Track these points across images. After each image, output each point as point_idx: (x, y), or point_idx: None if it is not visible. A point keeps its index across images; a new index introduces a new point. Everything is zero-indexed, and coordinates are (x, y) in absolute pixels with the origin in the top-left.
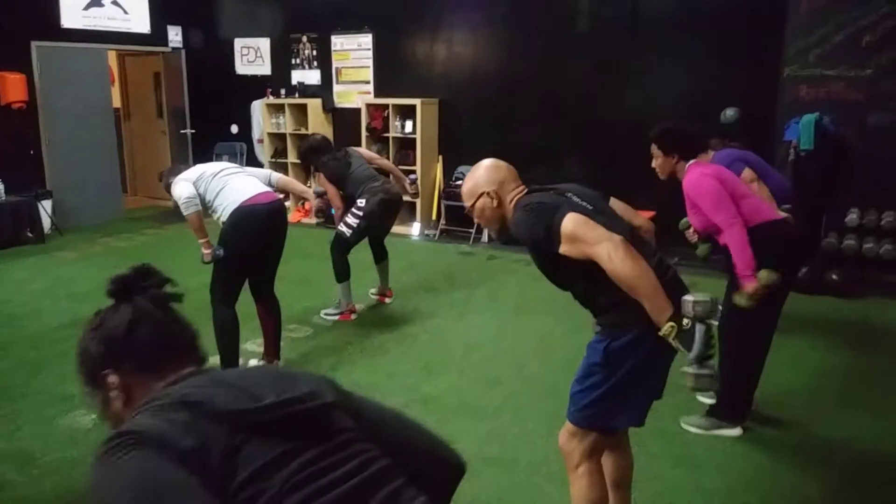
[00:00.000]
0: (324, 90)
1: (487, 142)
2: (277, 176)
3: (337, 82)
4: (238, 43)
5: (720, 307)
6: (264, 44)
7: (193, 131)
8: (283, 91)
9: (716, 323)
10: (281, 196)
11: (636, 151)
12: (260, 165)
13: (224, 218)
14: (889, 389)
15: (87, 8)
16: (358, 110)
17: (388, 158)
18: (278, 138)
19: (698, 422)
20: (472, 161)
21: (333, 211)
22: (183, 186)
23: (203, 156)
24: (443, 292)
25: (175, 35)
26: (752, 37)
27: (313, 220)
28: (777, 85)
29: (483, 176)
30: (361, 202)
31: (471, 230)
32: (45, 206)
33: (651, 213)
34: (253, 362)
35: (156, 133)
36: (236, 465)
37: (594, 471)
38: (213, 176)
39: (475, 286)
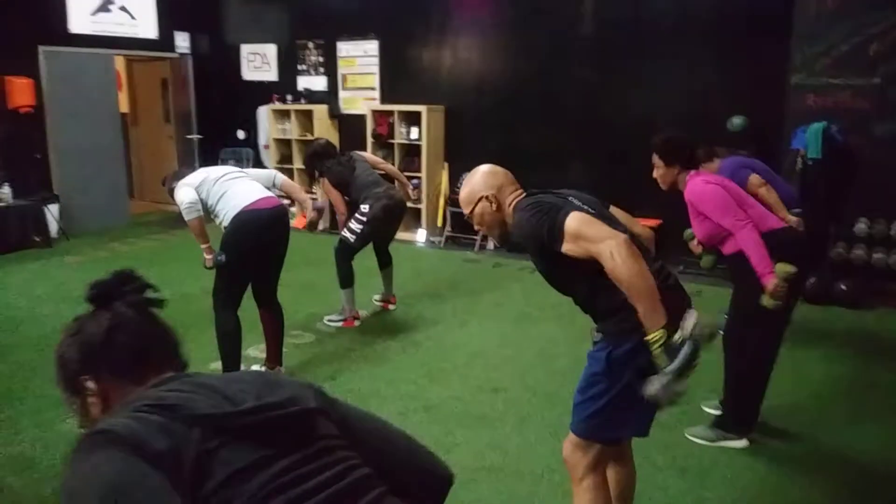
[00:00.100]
0: (330, 96)
1: (493, 148)
2: (282, 178)
3: (343, 88)
4: (245, 49)
5: (720, 332)
6: (271, 50)
7: (200, 137)
8: (289, 97)
9: (706, 341)
10: (285, 202)
11: (642, 158)
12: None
13: (226, 223)
14: None
15: (94, 13)
16: (364, 116)
17: (394, 165)
18: (284, 144)
19: (703, 433)
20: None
21: (338, 216)
22: (185, 192)
23: (209, 161)
24: (447, 299)
25: (182, 41)
26: (759, 44)
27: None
28: (784, 93)
29: (480, 181)
30: (365, 207)
31: (476, 237)
32: (52, 211)
33: (657, 222)
34: (255, 368)
35: (163, 138)
36: (210, 468)
37: (599, 484)
38: (215, 181)
39: (480, 293)
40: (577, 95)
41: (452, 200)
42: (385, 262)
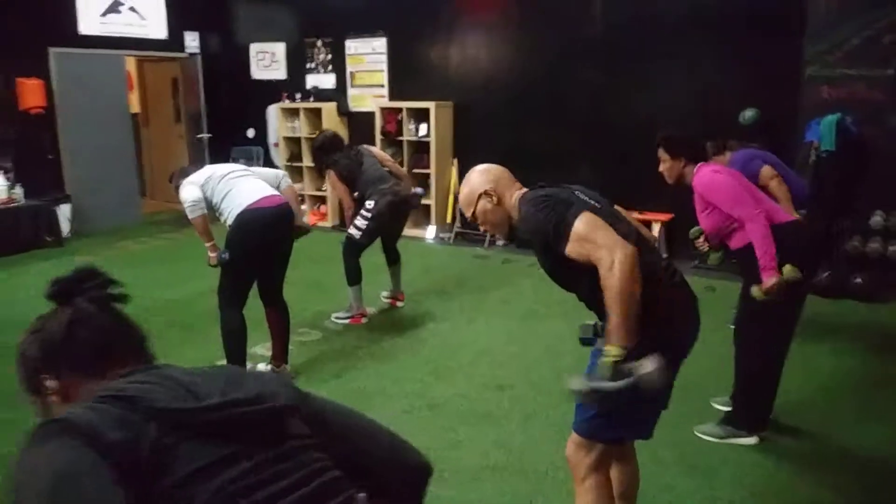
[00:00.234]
0: (338, 94)
1: (502, 145)
2: (287, 183)
3: (351, 86)
4: (254, 48)
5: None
6: (279, 48)
7: (210, 136)
8: (298, 95)
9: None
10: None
11: (652, 155)
12: (275, 168)
13: (230, 221)
14: None
15: (104, 14)
16: (372, 114)
17: (402, 162)
18: (293, 142)
19: (713, 430)
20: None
21: (345, 211)
22: (189, 190)
23: (219, 160)
24: (455, 296)
25: (192, 40)
26: (770, 37)
27: (328, 224)
28: (798, 85)
29: (477, 179)
30: (370, 204)
31: (486, 233)
32: (64, 211)
33: (668, 216)
34: (261, 366)
35: (174, 138)
36: (168, 464)
37: (601, 484)
38: (220, 179)
39: (488, 290)
40: (586, 90)
41: None
42: (393, 259)
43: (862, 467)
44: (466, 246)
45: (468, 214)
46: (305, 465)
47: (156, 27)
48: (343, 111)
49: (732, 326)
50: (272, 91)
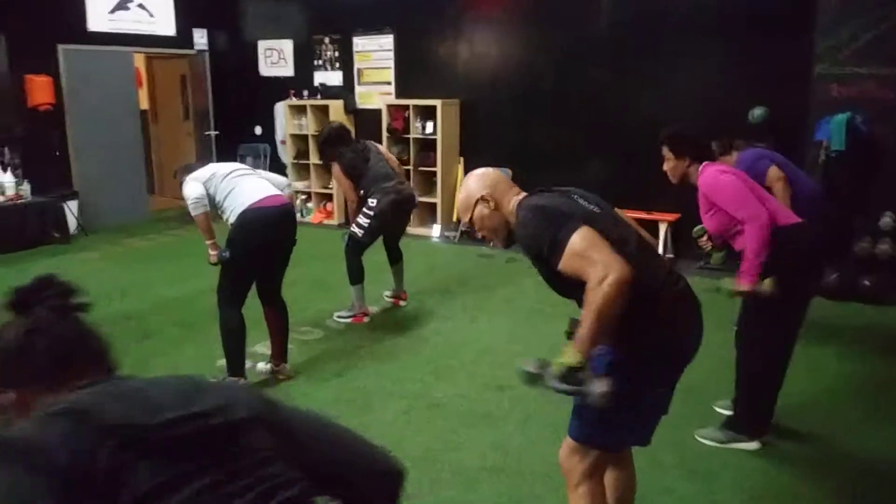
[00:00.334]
0: (346, 91)
1: (508, 143)
2: (290, 192)
3: (358, 83)
4: (262, 45)
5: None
6: (287, 45)
7: (217, 133)
8: (305, 92)
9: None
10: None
11: (659, 154)
12: (283, 166)
13: (232, 219)
14: None
15: (113, 11)
16: (379, 111)
17: (408, 160)
18: (301, 139)
19: (714, 434)
20: (494, 162)
21: (348, 205)
22: (192, 187)
23: (227, 157)
24: (458, 295)
25: (200, 38)
26: (780, 34)
27: (334, 222)
28: (807, 84)
29: (474, 184)
30: (372, 202)
31: None
32: (72, 207)
33: (675, 216)
34: (260, 365)
35: (182, 135)
36: (125, 482)
37: (595, 492)
38: (223, 176)
39: (491, 289)
40: (593, 89)
41: None
42: (395, 258)
43: (865, 471)
44: (471, 245)
45: (465, 220)
46: (265, 480)
47: (164, 24)
48: (350, 108)
49: (737, 328)
50: (280, 88)
